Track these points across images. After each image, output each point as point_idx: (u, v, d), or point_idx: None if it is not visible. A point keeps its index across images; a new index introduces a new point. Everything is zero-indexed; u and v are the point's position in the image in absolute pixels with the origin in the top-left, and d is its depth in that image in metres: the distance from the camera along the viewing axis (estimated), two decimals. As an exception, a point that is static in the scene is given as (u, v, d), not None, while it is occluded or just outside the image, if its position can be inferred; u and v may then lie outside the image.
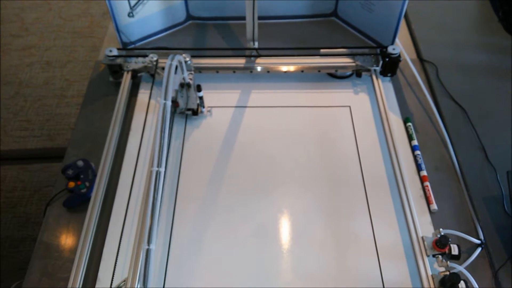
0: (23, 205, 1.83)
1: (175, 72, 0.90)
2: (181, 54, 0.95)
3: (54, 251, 0.86)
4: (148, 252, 0.70)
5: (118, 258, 0.82)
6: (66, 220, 0.90)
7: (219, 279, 0.82)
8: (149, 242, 0.71)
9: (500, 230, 0.86)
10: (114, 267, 0.80)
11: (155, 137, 0.80)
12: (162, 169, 0.77)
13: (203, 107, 1.05)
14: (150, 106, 1.05)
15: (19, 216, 1.81)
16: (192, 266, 0.83)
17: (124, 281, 0.73)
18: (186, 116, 1.06)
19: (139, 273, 0.69)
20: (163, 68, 1.01)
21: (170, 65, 0.89)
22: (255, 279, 0.82)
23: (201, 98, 1.03)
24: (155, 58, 1.02)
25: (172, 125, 1.03)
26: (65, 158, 0.99)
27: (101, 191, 0.90)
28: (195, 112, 1.05)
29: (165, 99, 0.85)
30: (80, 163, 0.93)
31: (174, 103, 0.99)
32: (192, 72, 1.00)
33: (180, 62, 0.93)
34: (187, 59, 0.98)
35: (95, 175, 0.93)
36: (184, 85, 0.98)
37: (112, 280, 0.79)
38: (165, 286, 0.81)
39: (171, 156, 0.99)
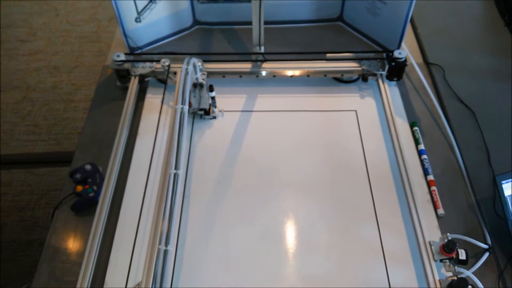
0: (30, 208, 1.84)
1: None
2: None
3: (62, 254, 0.86)
4: (165, 253, 0.71)
5: (126, 262, 0.82)
6: (74, 223, 0.91)
7: (225, 279, 0.82)
8: (166, 243, 0.72)
9: (508, 234, 0.85)
10: (129, 271, 0.80)
11: (173, 140, 0.80)
12: (180, 171, 0.78)
13: (215, 107, 1.06)
14: (162, 110, 1.06)
15: (26, 219, 1.82)
16: (198, 267, 0.83)
17: (139, 284, 0.73)
18: (193, 119, 1.07)
19: (156, 275, 0.69)
20: (174, 73, 1.02)
21: (187, 69, 0.91)
22: (260, 280, 0.82)
23: (213, 98, 1.04)
24: (167, 63, 1.03)
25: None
26: (72, 162, 0.99)
27: (108, 194, 0.90)
28: (207, 112, 1.06)
29: (182, 103, 0.86)
30: (88, 167, 0.94)
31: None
32: (205, 72, 1.01)
33: (194, 63, 0.94)
34: (199, 64, 0.99)
35: (102, 179, 0.93)
36: (197, 86, 0.99)
37: (126, 284, 0.79)
38: (172, 287, 0.81)
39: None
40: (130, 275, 0.81)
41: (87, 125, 1.07)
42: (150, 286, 0.69)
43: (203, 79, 0.99)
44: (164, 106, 1.08)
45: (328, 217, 0.90)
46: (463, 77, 1.16)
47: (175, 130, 0.83)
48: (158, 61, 1.10)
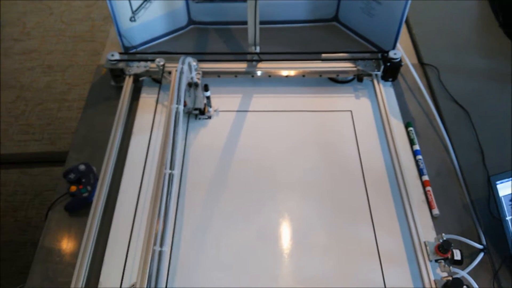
0: (24, 209, 1.83)
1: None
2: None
3: (55, 255, 0.86)
4: (160, 254, 0.70)
5: (120, 262, 0.82)
6: (68, 224, 0.90)
7: (220, 280, 0.82)
8: (161, 244, 0.71)
9: (502, 235, 0.85)
10: (123, 271, 0.80)
11: (167, 140, 0.80)
12: (175, 171, 0.78)
13: (210, 106, 1.06)
14: (157, 110, 1.06)
15: (20, 220, 1.80)
16: (193, 268, 0.83)
17: (133, 285, 0.72)
18: (188, 119, 1.06)
19: (152, 275, 0.69)
20: (169, 73, 1.02)
21: (182, 68, 0.90)
22: (255, 281, 0.82)
23: (208, 97, 1.03)
24: (162, 62, 1.02)
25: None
26: (66, 162, 0.99)
27: (103, 195, 0.89)
28: (202, 112, 1.05)
29: (177, 103, 0.85)
30: (82, 167, 0.93)
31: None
32: (200, 72, 1.00)
33: (189, 62, 0.94)
34: (194, 63, 0.98)
35: (96, 179, 0.92)
36: (192, 85, 0.98)
37: (121, 284, 0.79)
38: (167, 287, 0.81)
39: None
40: (124, 275, 0.81)
41: (81, 125, 1.06)
42: (145, 287, 0.68)
43: (198, 79, 0.98)
44: (159, 106, 1.07)
45: (323, 218, 0.90)
46: (458, 77, 1.16)
47: (170, 130, 0.82)
48: (152, 60, 1.09)
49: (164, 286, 0.80)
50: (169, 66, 1.03)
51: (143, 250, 0.71)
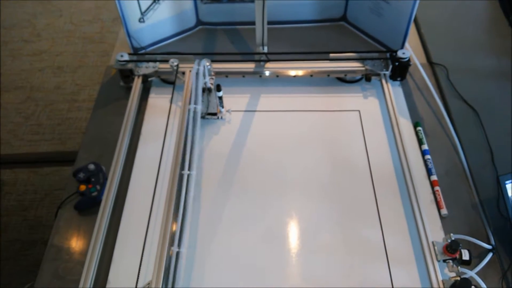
0: (34, 208, 1.85)
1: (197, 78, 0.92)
2: (192, 59, 0.97)
3: (65, 253, 0.86)
4: (178, 255, 0.70)
5: (129, 261, 0.82)
6: (77, 223, 0.91)
7: (228, 280, 0.82)
8: (179, 245, 0.71)
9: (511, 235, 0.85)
10: (139, 269, 0.80)
11: (186, 141, 0.80)
12: (193, 172, 0.78)
13: (222, 107, 1.06)
14: (168, 110, 1.06)
15: (30, 219, 1.82)
16: (201, 267, 0.83)
17: (149, 283, 0.73)
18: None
19: (169, 276, 0.69)
20: (182, 73, 1.02)
21: (198, 69, 0.90)
22: (264, 280, 0.82)
23: (220, 98, 1.03)
24: (175, 63, 1.02)
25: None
26: (76, 161, 1.00)
27: (111, 194, 0.90)
28: (214, 113, 1.06)
29: (195, 103, 0.85)
30: (91, 166, 0.94)
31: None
32: (213, 77, 1.01)
33: (204, 67, 0.94)
34: (207, 64, 0.98)
35: (106, 179, 0.93)
36: (205, 90, 0.98)
37: (136, 282, 0.79)
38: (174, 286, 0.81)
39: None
40: (133, 274, 0.81)
41: (90, 125, 1.07)
42: (160, 286, 0.69)
43: (211, 84, 0.98)
44: (173, 106, 1.07)
45: (331, 218, 0.90)
46: (467, 77, 1.16)
47: (185, 130, 0.82)
48: (161, 61, 1.10)
49: (182, 286, 0.80)
50: (181, 66, 1.03)
51: (158, 250, 0.72)
